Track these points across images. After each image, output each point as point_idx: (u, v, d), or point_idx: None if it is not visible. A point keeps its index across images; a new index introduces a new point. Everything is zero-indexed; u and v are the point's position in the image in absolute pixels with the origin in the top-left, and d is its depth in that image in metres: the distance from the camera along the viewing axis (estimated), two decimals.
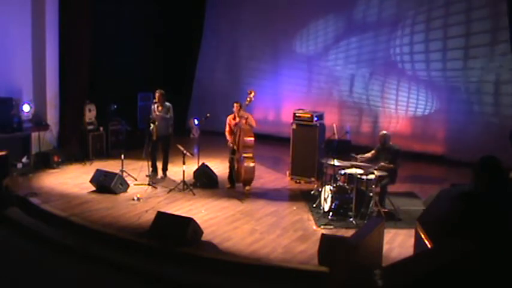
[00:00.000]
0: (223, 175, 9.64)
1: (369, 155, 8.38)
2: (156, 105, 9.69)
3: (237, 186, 9.29)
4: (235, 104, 9.18)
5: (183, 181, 9.04)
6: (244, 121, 9.03)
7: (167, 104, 9.75)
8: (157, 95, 9.69)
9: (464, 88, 11.82)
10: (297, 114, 10.07)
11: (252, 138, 9.07)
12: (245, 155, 9.02)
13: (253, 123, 9.09)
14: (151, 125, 9.53)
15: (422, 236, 5.00)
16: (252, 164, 9.09)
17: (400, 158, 8.23)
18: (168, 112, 9.70)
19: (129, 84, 12.73)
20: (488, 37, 11.31)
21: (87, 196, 8.70)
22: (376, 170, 7.82)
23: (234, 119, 9.18)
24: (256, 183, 9.51)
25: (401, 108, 12.55)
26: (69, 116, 11.25)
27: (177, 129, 10.39)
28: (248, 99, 9.02)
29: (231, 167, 9.28)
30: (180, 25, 14.10)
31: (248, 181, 9.18)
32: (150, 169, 9.64)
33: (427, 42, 12.06)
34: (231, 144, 9.16)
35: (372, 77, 12.86)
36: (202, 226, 6.94)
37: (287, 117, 12.12)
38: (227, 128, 9.30)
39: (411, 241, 5.90)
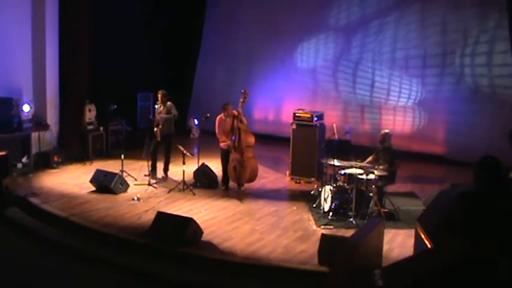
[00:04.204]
0: None
1: (369, 159, 8.37)
2: (159, 106, 9.73)
3: (235, 186, 9.26)
4: (228, 106, 9.13)
5: (183, 181, 9.04)
6: (240, 120, 8.99)
7: (168, 103, 9.77)
8: (159, 95, 9.72)
9: (465, 88, 11.82)
10: (297, 114, 10.07)
11: (253, 137, 9.13)
12: (248, 154, 9.04)
13: (245, 121, 9.14)
14: (155, 128, 9.59)
15: (422, 236, 5.00)
16: (256, 163, 9.17)
17: (399, 159, 8.23)
18: (170, 112, 9.72)
19: (129, 84, 12.73)
20: (489, 36, 11.32)
21: (87, 196, 8.70)
22: (375, 169, 7.82)
23: (232, 121, 9.06)
24: (256, 183, 9.50)
25: (402, 108, 12.55)
26: (69, 116, 11.25)
27: (177, 129, 10.38)
28: (243, 98, 8.98)
29: (226, 168, 9.21)
30: (180, 25, 14.09)
31: (252, 180, 9.21)
32: (149, 169, 9.63)
33: (429, 43, 12.05)
34: (227, 146, 9.10)
35: (373, 77, 12.85)
36: (202, 226, 6.94)
37: (287, 117, 12.12)
38: (219, 130, 9.19)
39: (411, 241, 5.89)
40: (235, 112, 9.04)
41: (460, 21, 11.64)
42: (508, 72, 11.22)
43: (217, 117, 9.25)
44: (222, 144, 9.21)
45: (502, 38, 11.01)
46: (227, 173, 9.24)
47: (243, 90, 9.09)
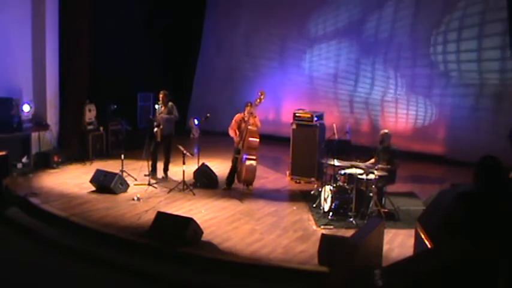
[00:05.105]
0: (223, 175, 9.60)
1: (371, 161, 8.35)
2: (160, 106, 9.74)
3: (237, 185, 9.28)
4: (250, 103, 9.14)
5: (183, 181, 9.04)
6: (252, 122, 9.05)
7: (170, 104, 9.77)
8: (161, 95, 9.72)
9: (465, 88, 11.82)
10: (297, 114, 10.07)
11: (258, 140, 9.12)
12: (248, 155, 9.04)
13: (259, 125, 9.20)
14: (156, 128, 9.59)
15: (422, 236, 5.00)
16: (254, 165, 9.14)
17: (398, 159, 8.23)
18: (171, 112, 9.72)
19: (129, 84, 12.73)
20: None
21: (87, 196, 8.70)
22: (375, 169, 7.82)
23: (243, 119, 9.11)
24: (256, 183, 9.50)
25: (402, 108, 12.55)
26: (69, 116, 11.25)
27: (177, 129, 10.39)
28: (258, 99, 9.02)
29: (233, 167, 9.26)
30: (180, 25, 14.10)
31: (249, 181, 9.21)
32: (150, 169, 9.63)
33: (429, 42, 12.06)
34: (237, 144, 9.16)
35: (373, 76, 12.85)
36: (202, 226, 6.94)
37: (287, 117, 12.12)
38: (232, 124, 9.22)
39: (411, 241, 5.89)
40: (244, 115, 9.06)
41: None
42: (508, 70, 11.22)
43: (237, 115, 9.25)
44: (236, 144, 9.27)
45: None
46: (233, 172, 9.26)
47: (259, 92, 9.09)
